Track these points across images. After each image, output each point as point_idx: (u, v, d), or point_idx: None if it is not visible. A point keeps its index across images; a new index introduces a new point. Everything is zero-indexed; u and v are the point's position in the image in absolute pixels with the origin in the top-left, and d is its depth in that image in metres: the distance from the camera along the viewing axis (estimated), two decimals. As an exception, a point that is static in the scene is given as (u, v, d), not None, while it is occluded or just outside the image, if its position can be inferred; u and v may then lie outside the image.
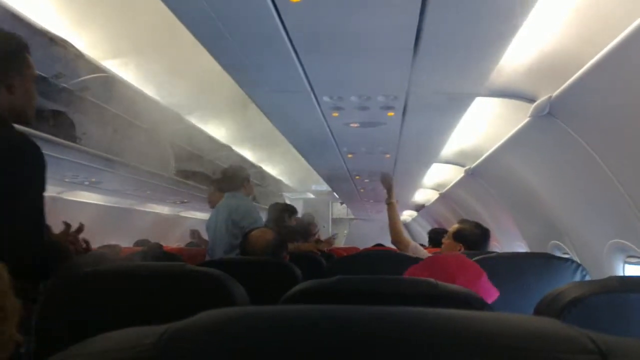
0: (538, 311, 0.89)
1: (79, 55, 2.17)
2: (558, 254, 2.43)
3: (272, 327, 0.29)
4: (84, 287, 1.10)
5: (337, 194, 6.21)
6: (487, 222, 4.00)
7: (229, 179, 2.79)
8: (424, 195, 5.91)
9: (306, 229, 3.77)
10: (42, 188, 1.20)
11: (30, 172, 1.18)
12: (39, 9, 1.86)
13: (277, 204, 3.63)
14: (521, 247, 3.27)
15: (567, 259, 1.76)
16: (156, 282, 1.10)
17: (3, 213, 1.12)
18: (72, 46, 2.10)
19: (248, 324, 0.29)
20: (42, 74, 2.19)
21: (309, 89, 1.94)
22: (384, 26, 1.37)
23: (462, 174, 3.60)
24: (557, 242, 2.53)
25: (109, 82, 2.46)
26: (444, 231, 3.65)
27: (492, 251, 2.93)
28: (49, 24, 1.94)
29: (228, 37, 1.48)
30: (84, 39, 2.13)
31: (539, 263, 1.68)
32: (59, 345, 0.31)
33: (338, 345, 0.27)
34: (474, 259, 1.72)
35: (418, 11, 1.26)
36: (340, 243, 8.66)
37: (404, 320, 0.29)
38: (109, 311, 1.03)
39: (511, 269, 1.67)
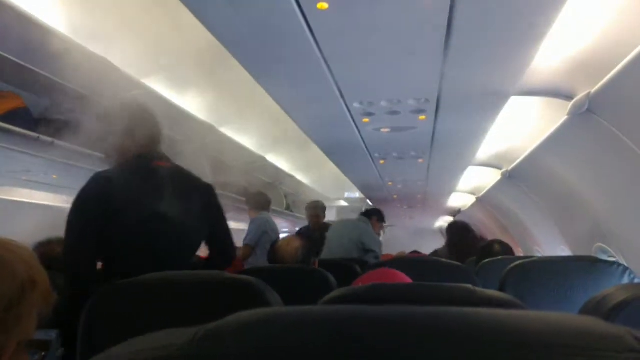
0: (583, 314, 0.85)
1: (116, 71, 2.25)
2: (603, 257, 2.33)
3: (307, 325, 0.29)
4: (125, 295, 1.14)
5: (370, 200, 6.18)
6: (527, 226, 3.88)
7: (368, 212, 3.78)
8: (460, 199, 5.80)
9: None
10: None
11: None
12: (75, 22, 1.94)
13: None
14: (564, 251, 3.15)
15: (613, 262, 1.68)
16: (195, 290, 1.12)
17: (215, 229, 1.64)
18: (109, 62, 2.18)
19: (283, 322, 0.29)
20: (80, 90, 2.28)
21: (339, 95, 1.95)
22: (412, 26, 1.36)
23: (499, 177, 3.52)
24: (602, 244, 2.42)
25: (145, 97, 2.54)
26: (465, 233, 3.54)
27: (533, 255, 2.84)
28: (86, 40, 2.02)
29: (258, 47, 1.51)
30: (118, 54, 2.21)
31: (583, 266, 1.61)
32: (102, 350, 0.33)
33: (375, 344, 0.27)
34: (516, 262, 1.67)
35: (448, 8, 1.25)
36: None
37: (444, 319, 0.29)
38: (149, 318, 1.06)
39: (554, 273, 1.61)
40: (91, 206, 1.44)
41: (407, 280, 1.14)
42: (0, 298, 0.57)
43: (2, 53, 1.84)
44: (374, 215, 3.67)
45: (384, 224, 3.90)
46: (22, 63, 1.96)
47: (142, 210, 1.48)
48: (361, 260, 3.21)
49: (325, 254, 3.28)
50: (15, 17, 1.70)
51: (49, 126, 2.34)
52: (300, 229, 4.30)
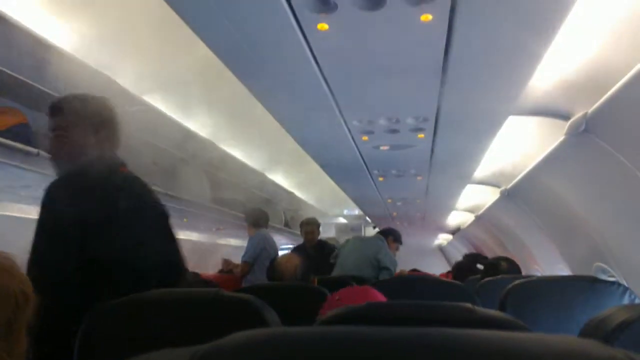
0: (583, 336, 0.85)
1: (121, 89, 2.27)
2: (603, 277, 2.32)
3: (306, 347, 0.29)
4: (122, 313, 1.12)
5: (369, 217, 6.17)
6: (526, 244, 3.87)
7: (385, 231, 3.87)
8: (459, 218, 5.79)
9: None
10: None
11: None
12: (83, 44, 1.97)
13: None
14: (563, 271, 3.14)
15: (613, 282, 1.67)
16: (192, 308, 1.11)
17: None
18: (114, 81, 2.20)
19: (279, 343, 0.29)
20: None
21: (338, 113, 1.96)
22: (411, 47, 1.38)
23: (497, 195, 3.52)
24: (602, 264, 2.41)
25: (148, 114, 2.56)
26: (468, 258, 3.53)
27: (532, 275, 2.83)
28: (92, 59, 2.05)
29: (259, 66, 1.53)
30: (120, 70, 2.24)
31: (582, 286, 1.59)
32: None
33: None
34: (517, 282, 1.66)
35: (446, 29, 1.27)
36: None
37: (442, 341, 0.29)
38: (147, 337, 1.05)
39: (553, 293, 1.60)
40: (58, 214, 1.27)
41: (382, 299, 1.17)
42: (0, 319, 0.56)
43: (3, 69, 1.86)
44: (390, 235, 3.72)
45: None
46: (25, 79, 1.97)
47: (115, 221, 1.32)
48: (360, 277, 3.19)
49: (337, 270, 3.29)
50: (17, 33, 1.72)
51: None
52: (294, 248, 4.27)
